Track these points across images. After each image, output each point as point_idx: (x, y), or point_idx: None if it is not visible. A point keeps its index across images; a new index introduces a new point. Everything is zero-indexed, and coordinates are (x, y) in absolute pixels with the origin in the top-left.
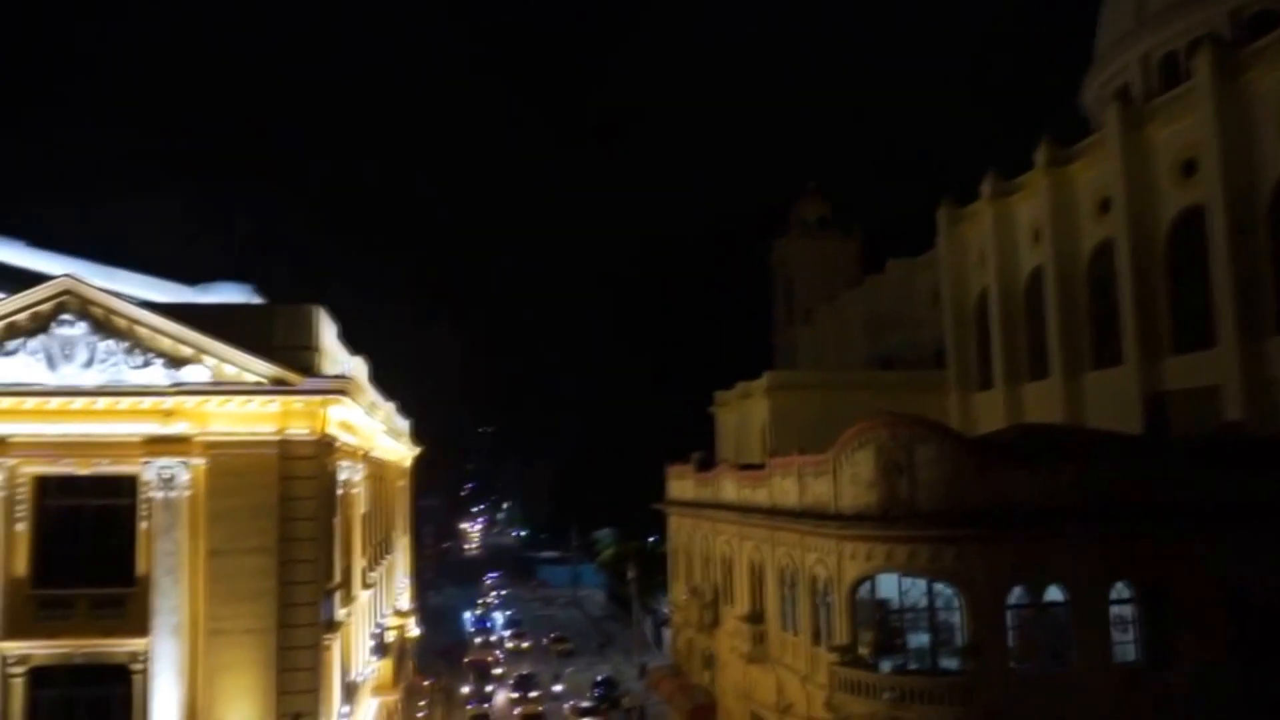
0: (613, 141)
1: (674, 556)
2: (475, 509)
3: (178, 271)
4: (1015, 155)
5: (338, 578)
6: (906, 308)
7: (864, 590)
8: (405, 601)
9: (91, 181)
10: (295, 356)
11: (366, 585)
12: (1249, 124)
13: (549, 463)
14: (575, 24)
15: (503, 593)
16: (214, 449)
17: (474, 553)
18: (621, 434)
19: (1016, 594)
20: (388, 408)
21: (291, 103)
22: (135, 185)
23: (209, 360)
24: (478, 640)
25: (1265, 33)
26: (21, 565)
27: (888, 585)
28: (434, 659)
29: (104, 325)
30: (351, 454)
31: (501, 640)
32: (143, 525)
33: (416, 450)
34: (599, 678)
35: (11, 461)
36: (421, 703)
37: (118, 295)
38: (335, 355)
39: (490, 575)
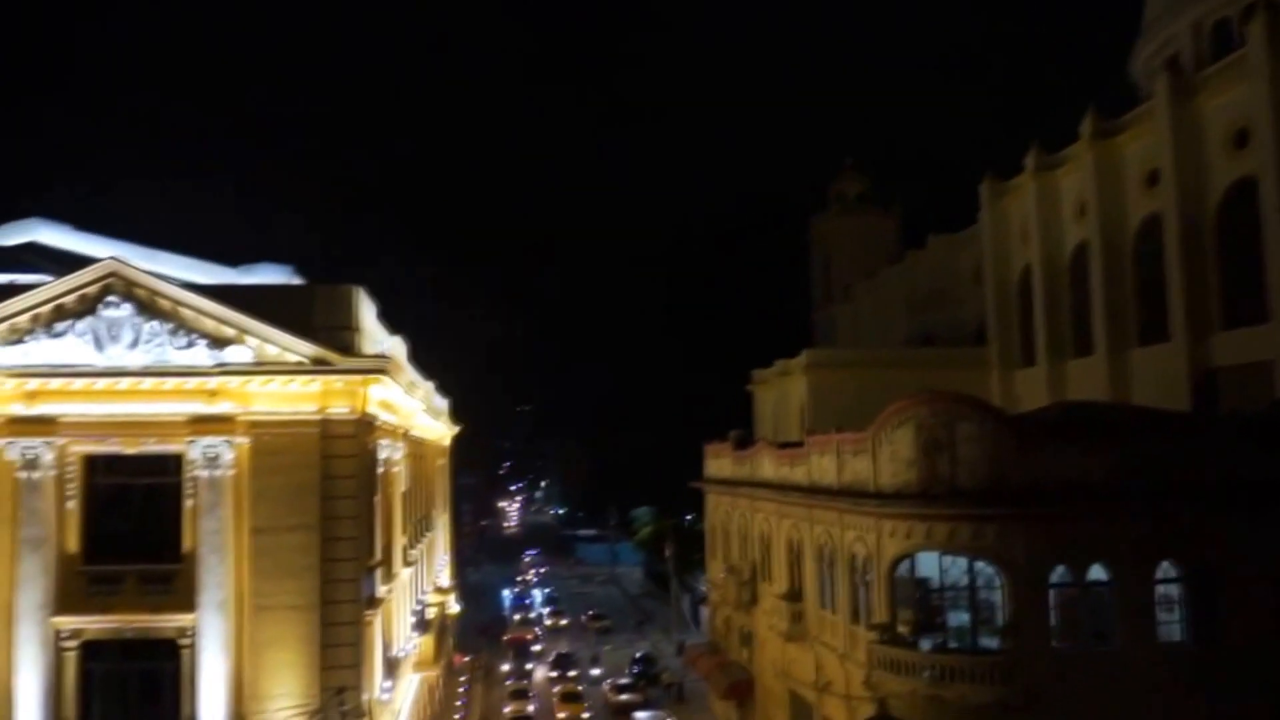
0: (649, 121)
1: (711, 534)
2: (513, 487)
3: (219, 253)
4: (1060, 128)
5: (379, 555)
6: (948, 284)
7: (903, 568)
8: (445, 579)
9: (133, 164)
10: (335, 336)
11: (407, 563)
12: None
13: (587, 441)
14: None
15: (541, 570)
16: (257, 428)
17: (512, 531)
18: (659, 412)
19: (1059, 573)
20: (426, 387)
21: (330, 84)
22: (176, 167)
23: (251, 341)
24: (516, 617)
25: None
26: (73, 542)
27: (927, 563)
28: (474, 636)
29: (149, 307)
30: (391, 433)
31: (540, 617)
32: (188, 503)
33: (455, 429)
34: (637, 655)
35: (61, 441)
36: (462, 679)
37: (161, 277)
38: (374, 335)
39: (529, 553)
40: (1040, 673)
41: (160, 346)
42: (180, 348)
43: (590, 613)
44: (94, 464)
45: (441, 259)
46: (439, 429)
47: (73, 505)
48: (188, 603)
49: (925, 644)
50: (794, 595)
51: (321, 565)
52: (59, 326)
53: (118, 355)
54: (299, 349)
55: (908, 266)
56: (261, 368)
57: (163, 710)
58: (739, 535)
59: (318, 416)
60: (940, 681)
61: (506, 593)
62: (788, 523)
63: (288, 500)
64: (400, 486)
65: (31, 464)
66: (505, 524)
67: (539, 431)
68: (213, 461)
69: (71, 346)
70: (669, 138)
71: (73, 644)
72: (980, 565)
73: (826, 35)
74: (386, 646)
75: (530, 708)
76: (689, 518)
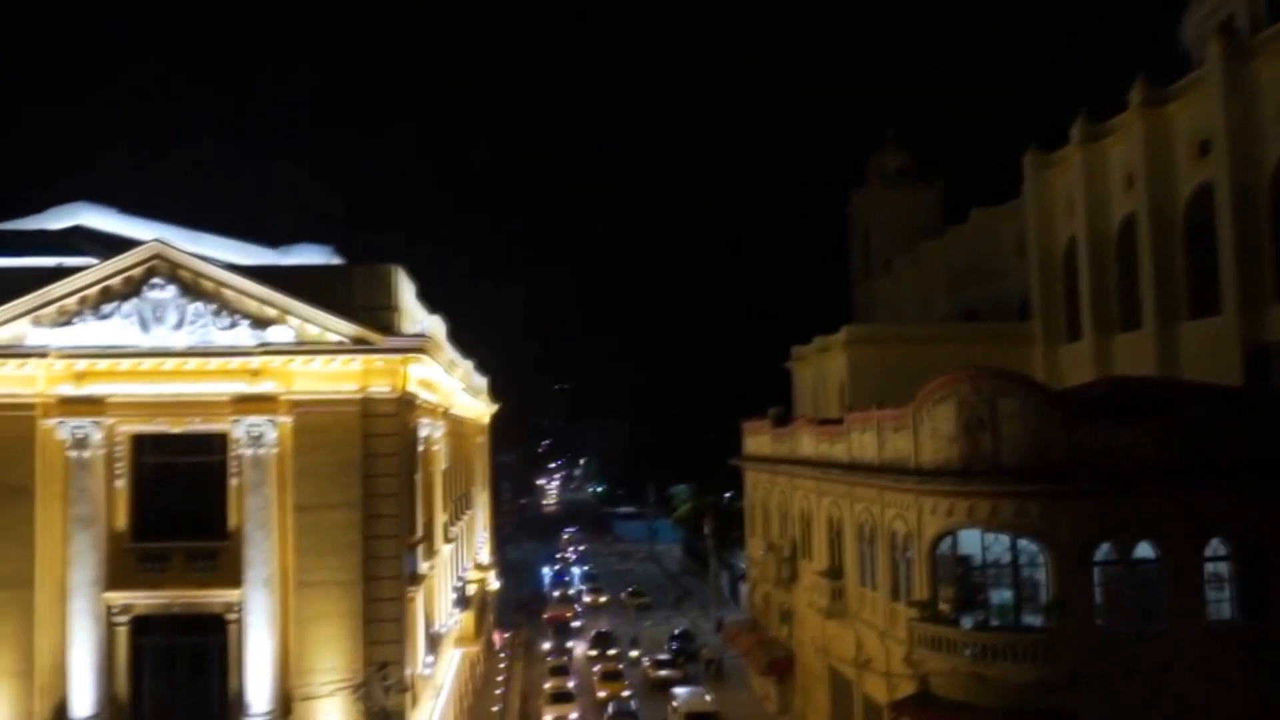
0: (690, 96)
1: (750, 512)
2: (552, 465)
3: (259, 234)
4: (1106, 98)
5: (420, 532)
6: (990, 258)
7: (944, 546)
8: (485, 556)
9: (173, 146)
10: (375, 316)
11: (448, 539)
12: None
13: (625, 419)
14: None
15: (580, 548)
16: (299, 407)
17: (551, 508)
18: (698, 390)
19: (1104, 550)
20: (466, 365)
21: (363, 61)
22: (215, 149)
23: (293, 321)
24: (555, 594)
25: None
26: (122, 520)
27: (969, 541)
28: (513, 612)
29: (192, 288)
30: (431, 411)
31: (579, 594)
32: (233, 481)
33: (494, 407)
34: (675, 631)
35: (109, 421)
36: (502, 654)
37: (204, 259)
38: (414, 314)
39: (567, 530)
40: (1084, 651)
41: (204, 327)
42: (223, 328)
43: (629, 590)
44: (141, 443)
45: (480, 238)
46: (478, 407)
47: (121, 484)
48: (234, 579)
49: (967, 622)
50: (834, 572)
51: (364, 542)
52: (106, 308)
53: (163, 336)
54: (340, 328)
55: (949, 240)
56: (303, 347)
57: (211, 684)
58: (778, 512)
59: (359, 395)
60: (982, 659)
61: (546, 570)
62: (827, 500)
63: (330, 478)
64: (440, 464)
65: (81, 443)
66: (544, 502)
67: (578, 410)
68: (256, 440)
69: (118, 328)
70: (709, 113)
71: (123, 619)
72: (1023, 543)
73: (865, 6)
74: (428, 622)
75: (570, 683)
76: (727, 495)
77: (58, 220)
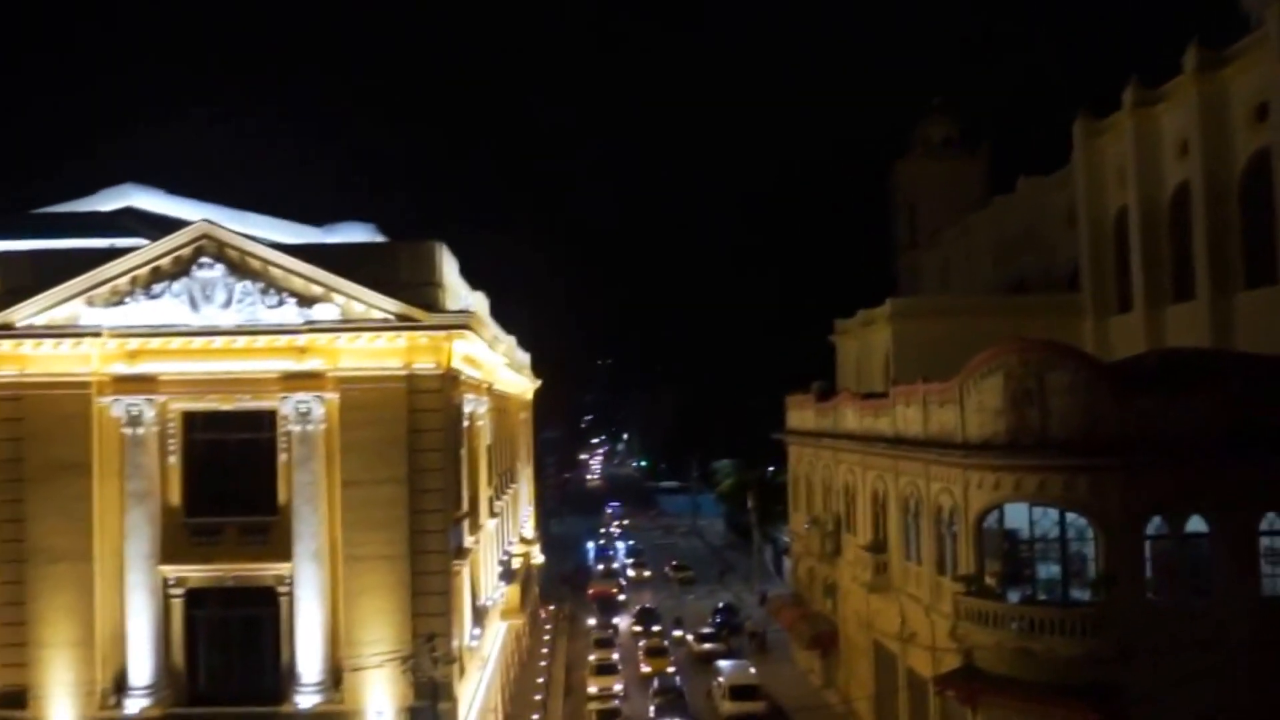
0: (730, 64)
1: (794, 486)
2: (595, 440)
3: (303, 213)
4: (1159, 63)
5: (465, 506)
6: (1038, 229)
7: (991, 520)
8: (529, 530)
9: (218, 126)
10: (419, 293)
11: (493, 514)
12: None
13: (668, 394)
14: None
15: (624, 522)
16: (345, 384)
17: (595, 483)
18: (740, 365)
19: (1155, 524)
20: (508, 341)
21: (403, 38)
22: (260, 129)
23: (338, 298)
24: (600, 568)
25: None
26: (175, 495)
27: (1016, 515)
28: (557, 586)
29: (240, 267)
30: (475, 387)
31: (623, 569)
32: (282, 457)
33: (537, 383)
34: (719, 605)
35: (162, 398)
36: (547, 626)
37: (250, 238)
38: (457, 291)
39: (611, 505)
40: (1134, 626)
41: (251, 305)
42: (270, 306)
43: (673, 564)
44: (192, 420)
45: (521, 214)
46: (521, 383)
47: (174, 460)
48: (284, 552)
49: (1013, 596)
50: (878, 546)
51: (410, 516)
52: (156, 288)
53: (212, 315)
54: (384, 306)
55: (996, 211)
56: (348, 325)
57: (264, 655)
58: (822, 487)
59: (403, 372)
60: (1029, 633)
61: (589, 544)
62: (871, 474)
63: (376, 454)
64: (485, 440)
65: (135, 420)
66: (587, 477)
67: (620, 385)
68: (304, 417)
69: (168, 307)
70: (752, 84)
71: (178, 591)
72: (1072, 517)
73: None
74: (474, 595)
75: (614, 655)
76: (770, 470)
77: (108, 202)
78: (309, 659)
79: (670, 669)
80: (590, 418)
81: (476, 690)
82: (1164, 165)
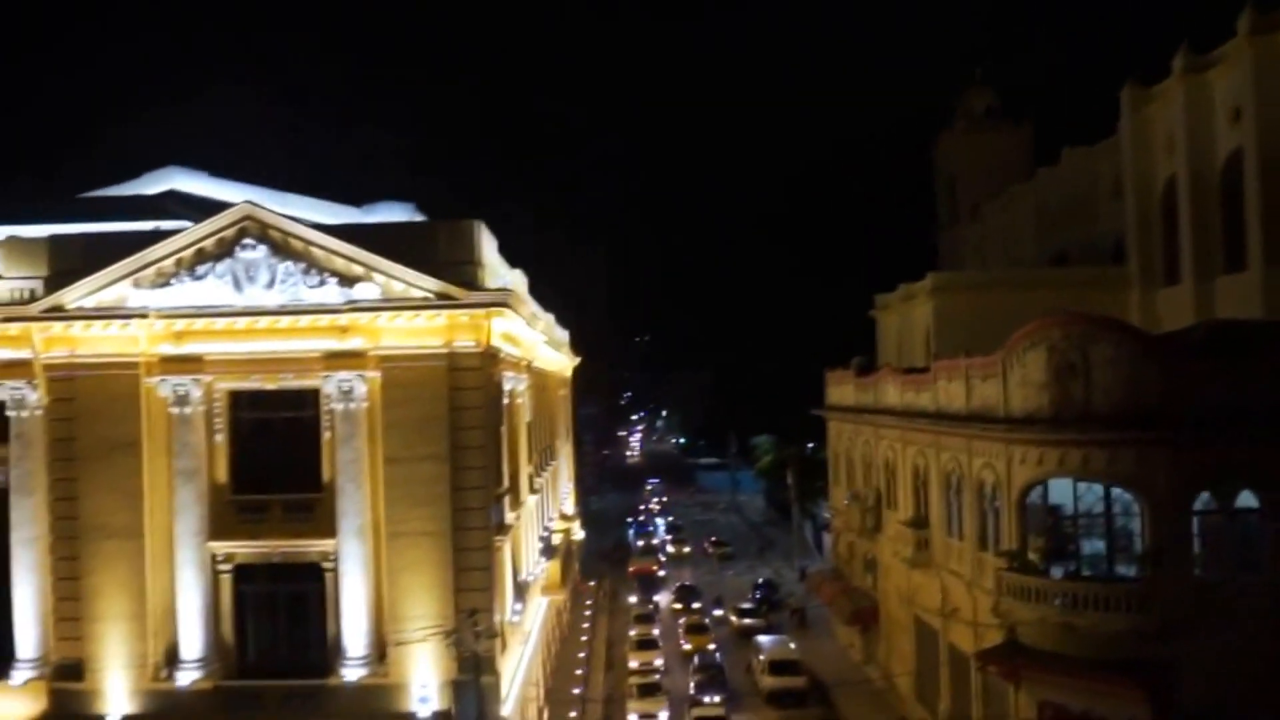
0: (769, 34)
1: (834, 462)
2: (634, 417)
3: (343, 193)
4: (1210, 27)
5: (506, 483)
6: (1083, 200)
7: (1034, 495)
8: (569, 506)
9: (256, 107)
10: (458, 271)
11: (533, 490)
12: None
13: (706, 371)
14: None
15: (663, 499)
16: (387, 362)
17: (634, 460)
18: (779, 341)
19: (1203, 499)
20: (547, 319)
21: (438, 12)
22: (297, 109)
23: (378, 278)
24: (640, 544)
25: None
26: (222, 473)
27: (1060, 490)
28: (598, 562)
29: (282, 248)
30: (515, 365)
31: (663, 545)
32: (326, 435)
33: (576, 360)
34: (759, 580)
35: (208, 378)
36: (587, 602)
37: (291, 219)
38: (495, 269)
39: (650, 482)
40: (1181, 602)
41: (294, 285)
42: (312, 286)
43: (712, 540)
44: (238, 399)
45: (559, 192)
46: (560, 360)
47: (220, 438)
48: (329, 529)
49: (1056, 572)
50: (919, 522)
51: (452, 493)
52: (201, 269)
53: (255, 295)
54: (424, 284)
55: (1039, 182)
56: (389, 304)
57: (310, 629)
58: (862, 462)
59: (444, 350)
60: (1073, 609)
61: (629, 521)
62: (912, 449)
63: (418, 431)
64: (524, 417)
65: (182, 400)
66: (627, 453)
67: (659, 362)
68: (347, 395)
69: (213, 288)
70: (790, 56)
71: (227, 567)
72: (1117, 492)
73: None
74: (515, 571)
75: (655, 631)
76: (810, 445)
77: (151, 185)
78: (354, 633)
79: (711, 646)
80: (629, 395)
81: (518, 664)
82: (1216, 132)
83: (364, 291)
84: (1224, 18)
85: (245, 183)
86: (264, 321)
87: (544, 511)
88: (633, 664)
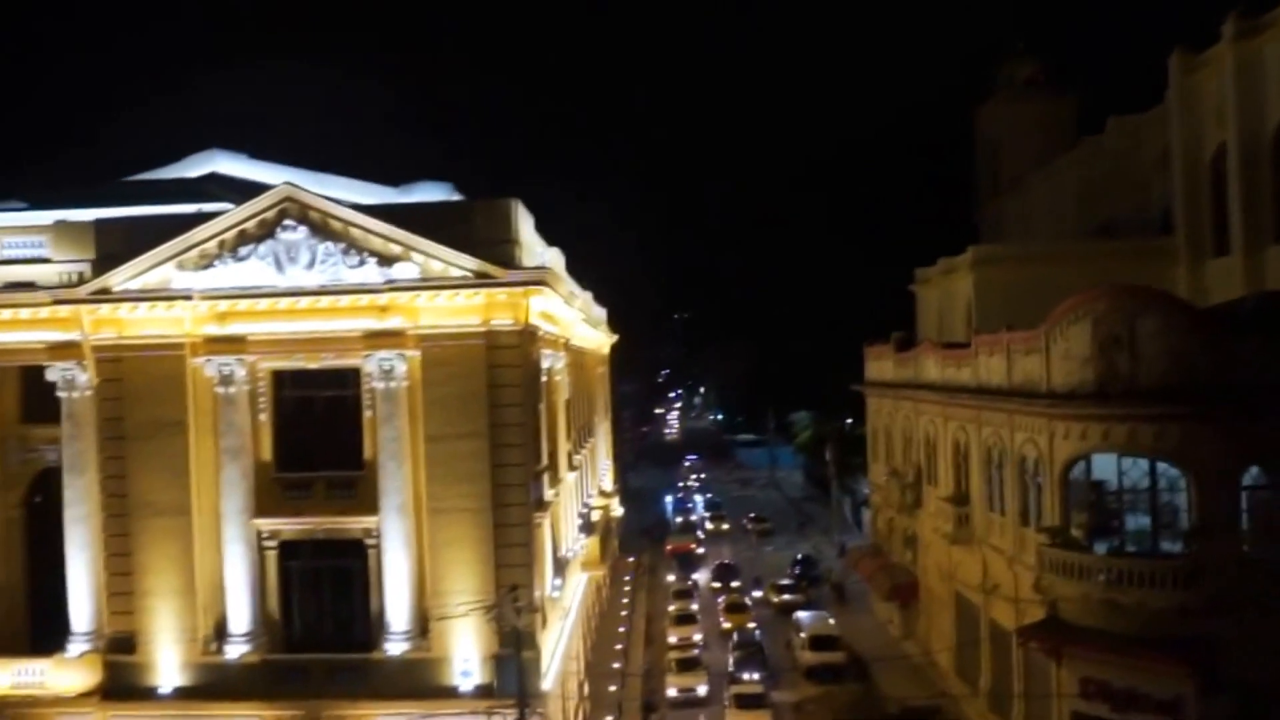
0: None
1: (873, 437)
2: (672, 394)
3: (380, 173)
4: None
5: (545, 460)
6: (1129, 170)
7: (1077, 470)
8: (608, 483)
9: (293, 88)
10: (496, 250)
11: (572, 467)
12: None
13: (744, 347)
14: None
15: (701, 475)
16: (426, 341)
17: (672, 437)
18: (818, 316)
19: (1253, 474)
20: (584, 297)
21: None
22: (334, 90)
23: (417, 257)
24: (679, 520)
25: None
26: (266, 451)
27: (1103, 465)
28: (637, 538)
29: (322, 228)
30: (553, 343)
31: (702, 521)
32: (367, 414)
33: (613, 338)
34: (798, 556)
35: (251, 358)
36: (626, 578)
37: (330, 199)
38: (533, 247)
39: (688, 458)
40: (1229, 578)
41: (334, 266)
42: (352, 266)
43: (751, 516)
44: (281, 379)
45: (596, 168)
46: (598, 338)
47: (264, 417)
48: (371, 506)
49: (1100, 548)
50: (960, 498)
51: (491, 470)
52: (243, 250)
53: (296, 276)
54: (462, 263)
55: (1084, 152)
56: (427, 283)
57: (354, 604)
58: (901, 438)
59: (482, 329)
60: (1117, 585)
61: (667, 497)
62: (953, 425)
63: (458, 409)
64: (563, 394)
65: (227, 379)
66: (665, 430)
67: (697, 338)
68: (387, 374)
69: (255, 269)
70: (828, 26)
71: (272, 543)
72: (1163, 467)
73: None
74: (555, 547)
75: (694, 606)
76: (849, 421)
77: (193, 168)
78: (397, 608)
79: (751, 625)
80: (666, 372)
81: (559, 639)
82: (1267, 99)
83: (403, 271)
84: None
85: (284, 164)
86: (305, 302)
87: (583, 488)
88: (672, 639)
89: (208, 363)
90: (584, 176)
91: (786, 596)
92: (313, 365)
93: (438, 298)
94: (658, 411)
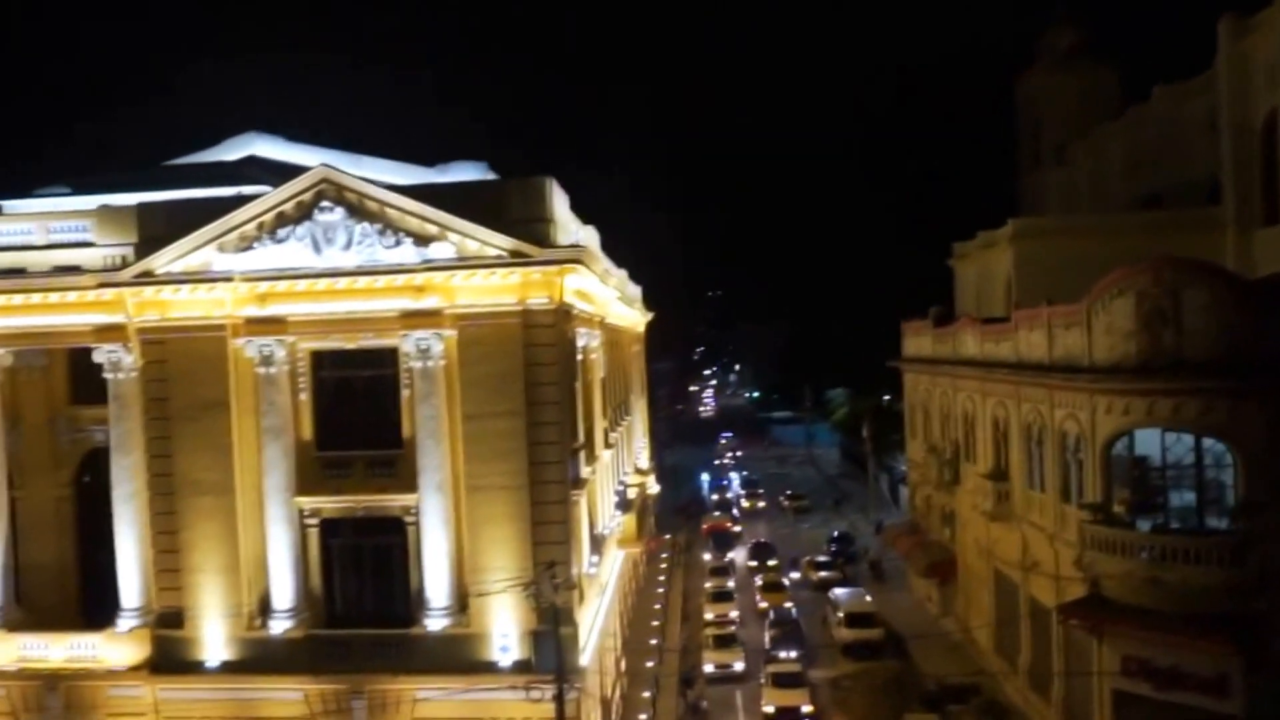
0: None
1: (910, 414)
2: (707, 372)
3: (415, 153)
4: None
5: (581, 438)
6: (1175, 139)
7: (1120, 446)
8: (644, 461)
9: (329, 71)
10: (531, 229)
11: (608, 445)
12: None
13: (779, 324)
14: None
15: (737, 453)
16: (463, 320)
17: (707, 415)
18: (854, 292)
19: None
20: (619, 275)
21: None
22: (369, 72)
23: (452, 237)
24: (714, 498)
25: None
26: (307, 430)
27: (1147, 441)
28: (673, 516)
29: (358, 209)
30: (588, 321)
31: (738, 498)
32: (405, 393)
33: (649, 315)
34: (834, 533)
35: (291, 339)
36: (663, 555)
37: (366, 180)
38: (567, 226)
39: (724, 436)
40: (1276, 555)
41: (371, 246)
42: (389, 247)
43: (787, 493)
44: (320, 359)
45: (630, 146)
46: (633, 316)
47: (304, 397)
48: (410, 484)
49: (1143, 524)
50: (999, 475)
51: (528, 448)
52: (281, 232)
53: (334, 257)
54: (497, 243)
55: (1129, 121)
56: (463, 262)
57: (394, 580)
58: (939, 414)
59: (518, 307)
60: (1160, 563)
61: (703, 475)
62: (992, 401)
63: (494, 388)
64: (598, 373)
65: (267, 360)
66: (700, 408)
67: (732, 316)
68: (424, 353)
69: (293, 250)
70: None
71: (313, 521)
72: (1209, 443)
73: None
74: (592, 524)
75: (730, 583)
76: (886, 398)
77: (232, 152)
78: (436, 585)
79: (788, 604)
80: (702, 349)
81: (596, 615)
82: None
83: (439, 251)
84: None
85: (321, 146)
86: (343, 282)
87: (619, 466)
88: (708, 615)
89: (248, 343)
90: (619, 154)
91: (823, 574)
92: (351, 345)
93: (474, 277)
94: (693, 389)
